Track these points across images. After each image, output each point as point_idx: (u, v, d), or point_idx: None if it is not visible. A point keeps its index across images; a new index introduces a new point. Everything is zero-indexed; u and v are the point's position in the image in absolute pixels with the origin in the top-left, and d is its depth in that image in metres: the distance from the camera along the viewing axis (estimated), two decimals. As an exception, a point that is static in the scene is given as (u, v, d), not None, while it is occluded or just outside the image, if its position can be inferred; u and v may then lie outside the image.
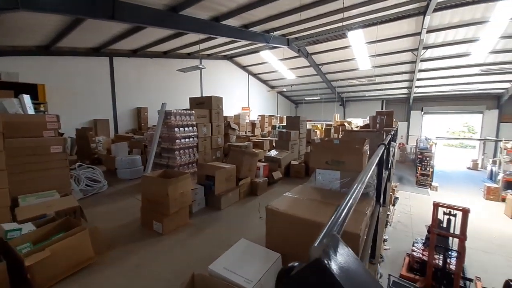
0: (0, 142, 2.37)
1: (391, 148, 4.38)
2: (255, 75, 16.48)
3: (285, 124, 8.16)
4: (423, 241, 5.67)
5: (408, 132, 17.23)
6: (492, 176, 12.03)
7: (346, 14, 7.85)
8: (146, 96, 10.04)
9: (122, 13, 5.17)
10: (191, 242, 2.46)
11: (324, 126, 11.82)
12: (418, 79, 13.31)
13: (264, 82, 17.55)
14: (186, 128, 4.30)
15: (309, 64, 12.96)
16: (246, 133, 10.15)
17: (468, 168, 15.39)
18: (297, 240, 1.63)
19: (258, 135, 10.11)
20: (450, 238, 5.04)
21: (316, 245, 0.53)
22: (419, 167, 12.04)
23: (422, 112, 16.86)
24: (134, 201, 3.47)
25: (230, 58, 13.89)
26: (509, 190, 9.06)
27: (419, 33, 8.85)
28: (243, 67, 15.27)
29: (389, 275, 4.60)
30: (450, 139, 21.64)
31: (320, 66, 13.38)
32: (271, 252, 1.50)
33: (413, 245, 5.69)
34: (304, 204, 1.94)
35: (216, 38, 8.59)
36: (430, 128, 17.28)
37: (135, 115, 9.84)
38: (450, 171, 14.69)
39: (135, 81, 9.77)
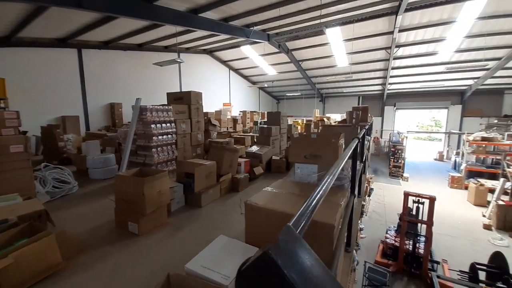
0: None
1: (366, 142, 4.58)
2: (236, 71, 16.30)
3: (266, 120, 8.22)
4: (395, 229, 6.06)
5: (382, 127, 18.16)
6: (456, 166, 13.13)
7: (324, 11, 8.00)
8: (120, 91, 9.50)
9: (91, 1, 4.80)
10: (170, 241, 2.40)
11: (304, 122, 12.06)
12: (391, 76, 14.01)
13: (245, 77, 17.43)
14: (164, 125, 4.14)
15: (289, 60, 13.07)
16: (227, 129, 10.05)
17: (435, 159, 16.65)
18: (276, 233, 1.65)
19: (239, 131, 10.07)
20: (419, 224, 5.44)
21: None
22: (392, 160, 12.80)
23: (395, 108, 17.84)
24: (108, 202, 3.30)
25: (210, 52, 13.58)
26: (471, 179, 9.95)
27: (392, 32, 9.29)
28: (224, 62, 15.02)
29: (365, 261, 4.87)
30: (419, 133, 23.31)
31: (300, 62, 13.56)
32: (250, 247, 1.51)
33: (386, 233, 6.07)
34: (283, 198, 1.96)
35: (194, 31, 8.33)
36: (402, 122, 18.39)
37: (108, 112, 9.28)
38: (419, 162, 15.79)
39: (108, 75, 9.18)
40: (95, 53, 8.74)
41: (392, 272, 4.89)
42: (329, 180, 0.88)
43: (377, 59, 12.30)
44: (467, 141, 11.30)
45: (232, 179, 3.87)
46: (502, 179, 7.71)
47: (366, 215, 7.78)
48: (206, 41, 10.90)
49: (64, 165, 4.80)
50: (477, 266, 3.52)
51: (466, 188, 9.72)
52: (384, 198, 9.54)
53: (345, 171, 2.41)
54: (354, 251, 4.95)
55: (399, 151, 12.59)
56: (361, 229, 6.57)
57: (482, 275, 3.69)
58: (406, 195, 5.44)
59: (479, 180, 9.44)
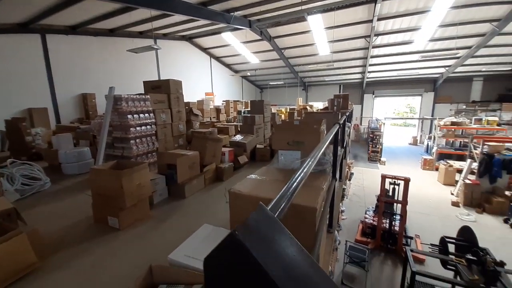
0: None
1: (346, 128, 4.71)
2: (217, 59, 15.82)
3: (250, 109, 8.15)
4: (374, 209, 6.44)
5: (361, 114, 18.80)
6: (428, 150, 14.05)
7: (306, -3, 7.89)
8: (92, 80, 8.85)
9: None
10: (153, 234, 2.35)
11: (288, 110, 12.13)
12: (370, 65, 14.38)
13: (227, 66, 17.00)
14: (142, 115, 3.95)
15: (272, 48, 12.90)
16: (210, 119, 9.85)
17: (410, 143, 17.67)
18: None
19: (223, 121, 9.91)
20: (395, 204, 5.82)
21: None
22: (371, 145, 13.40)
23: (373, 96, 18.47)
24: (85, 197, 3.13)
25: (189, 39, 12.99)
26: (441, 161, 10.72)
27: (371, 21, 9.43)
28: (204, 50, 14.48)
29: (346, 241, 5.15)
30: (395, 119, 24.53)
31: (282, 50, 13.44)
32: (234, 234, 1.51)
33: (365, 213, 6.44)
34: (267, 184, 1.98)
35: (171, 15, 7.89)
36: (380, 110, 19.15)
37: (80, 102, 8.67)
38: (395, 147, 16.68)
39: (77, 63, 8.49)
40: (62, 38, 8.00)
41: (370, 249, 5.23)
42: (310, 163, 0.88)
43: (357, 47, 12.50)
44: (438, 126, 12.07)
45: (216, 169, 3.84)
46: (469, 160, 8.38)
47: (347, 198, 8.16)
48: (184, 26, 10.39)
49: (34, 160, 4.46)
50: (447, 239, 3.85)
51: (437, 169, 10.47)
52: (364, 181, 10.04)
53: (327, 156, 2.47)
54: (336, 231, 5.20)
55: (377, 137, 13.18)
56: (342, 211, 6.90)
57: (451, 248, 4.07)
58: (383, 177, 5.76)
59: (449, 161, 10.20)
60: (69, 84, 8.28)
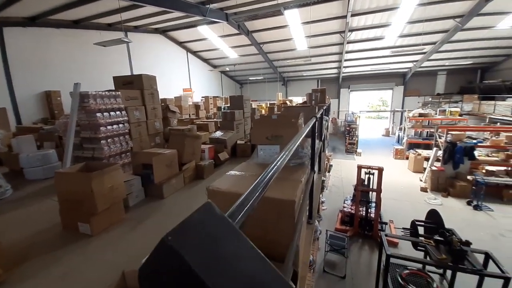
0: None
1: (324, 122, 4.84)
2: (194, 53, 15.34)
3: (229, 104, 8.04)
4: (351, 198, 6.75)
5: (338, 108, 19.48)
6: (399, 140, 14.98)
7: (282, -10, 7.88)
8: (56, 77, 8.13)
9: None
10: (128, 238, 2.23)
11: (268, 105, 12.17)
12: (345, 60, 14.86)
13: (205, 61, 16.58)
14: (113, 113, 3.71)
15: (250, 43, 12.79)
16: (189, 116, 9.58)
17: (383, 135, 18.70)
18: (240, 215, 1.65)
19: (203, 118, 9.69)
20: (370, 192, 6.14)
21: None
22: (347, 137, 13.97)
23: (349, 90, 19.19)
24: (52, 204, 2.89)
25: (163, 32, 12.41)
26: (411, 150, 11.49)
27: (345, 16, 9.70)
28: (180, 43, 13.95)
29: (326, 230, 5.35)
30: (369, 112, 25.81)
31: (261, 45, 13.38)
32: (213, 232, 1.48)
33: (344, 203, 6.73)
34: (246, 180, 1.96)
35: (141, 6, 7.44)
36: (356, 103, 19.97)
37: (44, 101, 7.94)
38: (370, 138, 17.56)
39: (39, 58, 7.73)
40: (20, 31, 7.22)
41: (349, 236, 5.49)
42: (284, 156, 0.87)
43: (333, 43, 12.83)
44: (407, 118, 12.88)
45: (196, 167, 3.74)
46: (435, 149, 9.07)
47: (327, 189, 8.45)
48: (157, 18, 9.89)
49: (-10, 166, 4.03)
50: (417, 223, 4.15)
51: (407, 158, 11.21)
52: (342, 172, 10.46)
53: (305, 150, 2.51)
54: (317, 222, 5.38)
55: (353, 130, 13.75)
56: (322, 202, 7.14)
57: (421, 230, 4.40)
58: (359, 168, 6.04)
59: (417, 150, 10.97)
60: (30, 81, 7.54)
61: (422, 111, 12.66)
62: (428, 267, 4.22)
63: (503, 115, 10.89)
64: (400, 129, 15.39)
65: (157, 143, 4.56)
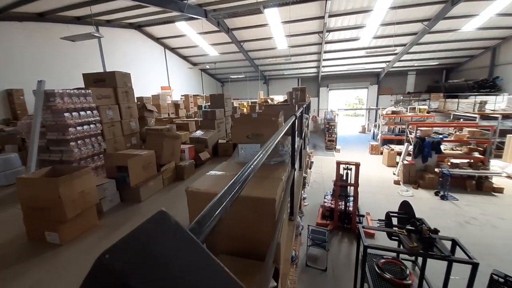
0: None
1: (304, 120, 4.94)
2: (173, 50, 14.84)
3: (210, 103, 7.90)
4: (331, 193, 6.99)
5: (318, 106, 20.02)
6: (374, 137, 15.76)
7: (261, -11, 7.87)
8: (19, 74, 7.42)
9: None
10: (102, 246, 2.08)
11: (250, 104, 12.17)
12: (324, 60, 15.29)
13: (184, 58, 16.12)
14: (83, 112, 3.46)
15: (231, 41, 12.65)
16: (169, 115, 9.27)
17: (359, 132, 19.58)
18: (221, 218, 1.63)
19: (183, 117, 9.44)
20: (348, 187, 6.40)
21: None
22: (327, 135, 14.43)
23: (328, 89, 19.79)
24: (15, 212, 2.64)
25: (138, 27, 11.84)
26: (385, 146, 12.15)
27: (323, 17, 9.96)
28: (157, 40, 13.42)
29: (308, 225, 5.49)
30: (347, 110, 26.90)
31: (242, 43, 13.30)
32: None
33: (324, 198, 6.95)
34: (227, 180, 1.91)
35: None
36: (334, 102, 20.66)
37: (5, 100, 7.22)
38: (348, 135, 18.29)
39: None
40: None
41: (330, 230, 5.68)
42: (261, 155, 0.87)
43: (312, 42, 13.12)
44: (381, 115, 13.59)
45: (176, 168, 3.63)
46: (406, 144, 9.67)
47: (308, 186, 8.66)
48: (131, 13, 9.41)
49: None
50: (391, 214, 4.39)
51: (382, 153, 11.84)
52: (322, 169, 10.78)
53: (286, 148, 2.54)
54: (299, 218, 5.50)
55: (332, 127, 14.23)
56: (304, 198, 7.31)
57: (395, 221, 4.68)
58: (338, 164, 6.26)
59: (391, 146, 11.63)
60: (-13, 78, 6.81)
61: (394, 109, 13.43)
62: (401, 255, 4.51)
63: (465, 112, 11.91)
64: (375, 126, 16.19)
65: (133, 144, 4.35)
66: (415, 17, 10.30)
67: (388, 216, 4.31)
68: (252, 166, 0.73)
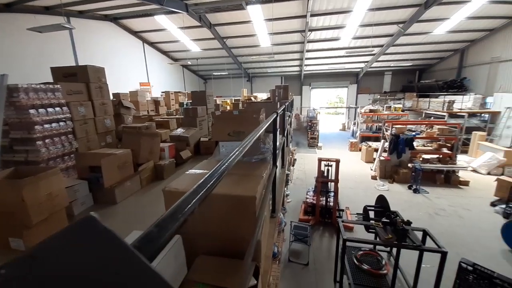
0: None
1: (287, 118, 4.99)
2: (152, 44, 14.26)
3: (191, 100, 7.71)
4: (313, 189, 7.16)
5: (301, 105, 20.36)
6: (353, 134, 16.36)
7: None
8: (-24, 66, 6.73)
9: None
10: (74, 250, 1.98)
11: (233, 101, 12.07)
12: (306, 58, 15.54)
13: (165, 53, 15.56)
14: (51, 109, 3.22)
15: (213, 37, 12.41)
16: (148, 112, 8.92)
17: (340, 129, 20.23)
18: (199, 216, 1.59)
19: (163, 114, 9.13)
20: (329, 182, 6.59)
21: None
22: (309, 132, 14.74)
23: (310, 87, 20.18)
24: (-29, 219, 2.40)
25: (115, 19, 11.21)
26: (363, 143, 12.66)
27: (305, 16, 10.09)
28: (135, 33, 12.80)
29: (291, 221, 5.59)
30: (328, 108, 27.69)
31: (225, 40, 13.10)
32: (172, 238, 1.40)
33: (306, 194, 7.10)
34: (207, 178, 1.90)
35: (86, -12, 6.58)
36: (316, 100, 21.14)
37: (-43, 95, 6.50)
38: (329, 133, 18.82)
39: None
40: None
41: (311, 225, 5.82)
42: (237, 152, 0.85)
43: (295, 41, 13.26)
44: (360, 113, 14.14)
45: (155, 167, 3.51)
46: (382, 141, 10.14)
47: (291, 182, 8.80)
48: (106, 4, 8.89)
49: None
50: (368, 208, 4.60)
51: (360, 150, 12.34)
52: (305, 166, 11.01)
53: (267, 145, 2.54)
54: (282, 214, 5.57)
55: (315, 125, 14.55)
56: (287, 195, 7.41)
57: (372, 214, 4.91)
58: (319, 160, 6.43)
59: (368, 143, 12.14)
60: None
61: (372, 108, 14.04)
62: (378, 247, 4.75)
63: (436, 111, 12.75)
64: (354, 124, 16.82)
65: (109, 143, 4.14)
66: (391, 19, 10.78)
67: (366, 210, 4.51)
68: (226, 164, 0.71)
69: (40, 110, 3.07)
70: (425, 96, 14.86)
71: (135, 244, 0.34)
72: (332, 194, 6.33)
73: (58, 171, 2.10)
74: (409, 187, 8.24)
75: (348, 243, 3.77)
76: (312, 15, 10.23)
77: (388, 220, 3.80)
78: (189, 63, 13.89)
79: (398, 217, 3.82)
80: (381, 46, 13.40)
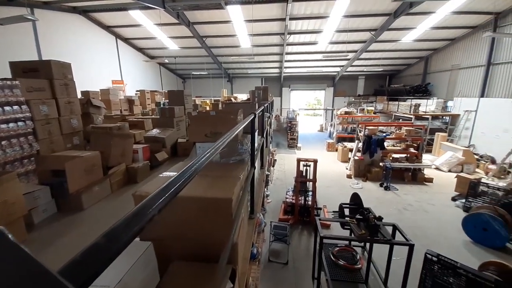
0: None
1: (266, 118, 5.03)
2: (126, 40, 13.58)
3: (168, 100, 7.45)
4: (292, 189, 7.30)
5: (281, 106, 20.70)
6: (330, 135, 17.00)
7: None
8: None
9: None
10: (33, 262, 1.79)
11: (213, 102, 11.89)
12: (286, 61, 15.84)
13: (140, 50, 14.91)
14: (7, 108, 2.91)
15: (192, 35, 12.14)
16: (121, 112, 8.44)
17: (318, 130, 20.90)
18: (173, 219, 1.54)
19: (138, 114, 8.70)
20: (307, 182, 6.76)
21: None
22: (289, 133, 15.03)
23: (290, 89, 20.61)
24: None
25: (84, 12, 10.48)
26: (339, 143, 13.20)
27: (285, 19, 10.28)
28: (108, 28, 12.09)
29: (271, 221, 5.64)
30: (307, 110, 28.53)
31: (204, 39, 12.88)
32: (141, 242, 1.33)
33: (286, 194, 7.22)
34: (182, 181, 1.84)
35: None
36: (296, 101, 21.63)
37: None
38: (308, 134, 19.37)
39: None
40: None
41: (290, 224, 5.93)
42: (209, 154, 0.83)
43: (274, 43, 13.45)
44: (336, 115, 14.74)
45: (127, 170, 3.32)
46: (356, 141, 10.66)
47: (271, 183, 8.88)
48: (74, -5, 8.28)
49: None
50: (343, 205, 4.79)
51: (337, 150, 12.85)
52: (285, 166, 11.19)
53: (245, 146, 2.53)
54: (262, 215, 5.59)
55: (294, 126, 14.86)
56: (267, 196, 7.47)
57: (347, 212, 5.12)
58: (298, 161, 6.57)
59: (344, 143, 12.69)
60: None
61: (347, 110, 14.70)
62: (353, 243, 4.97)
63: (404, 113, 13.70)
64: (331, 125, 17.48)
65: (76, 144, 3.84)
66: (364, 26, 11.39)
67: (341, 207, 4.69)
68: (196, 165, 0.69)
69: (-7, 108, 2.76)
70: (395, 99, 15.93)
71: (65, 267, 0.29)
72: (310, 193, 6.50)
73: (15, 176, 1.89)
74: (381, 185, 8.74)
75: (325, 240, 3.89)
76: (291, 19, 10.46)
77: (361, 217, 3.98)
78: (167, 61, 13.43)
79: (370, 214, 4.02)
80: (355, 51, 14.10)
